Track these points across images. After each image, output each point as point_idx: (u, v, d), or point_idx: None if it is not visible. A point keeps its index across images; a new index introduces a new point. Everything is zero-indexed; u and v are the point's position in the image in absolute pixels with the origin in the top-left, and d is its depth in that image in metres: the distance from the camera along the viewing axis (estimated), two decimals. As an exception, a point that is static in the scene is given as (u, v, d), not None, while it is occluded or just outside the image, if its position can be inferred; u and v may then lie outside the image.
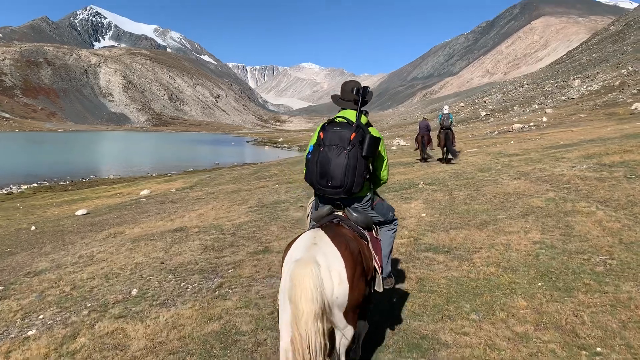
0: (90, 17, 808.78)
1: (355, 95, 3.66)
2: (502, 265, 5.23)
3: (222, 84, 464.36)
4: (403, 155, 23.83)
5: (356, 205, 3.52)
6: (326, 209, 3.48)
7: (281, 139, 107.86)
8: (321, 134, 3.46)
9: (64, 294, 5.96)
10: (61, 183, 36.68)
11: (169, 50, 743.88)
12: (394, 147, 31.57)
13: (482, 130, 51.99)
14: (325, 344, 2.76)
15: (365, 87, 3.73)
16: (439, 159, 18.64)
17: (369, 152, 3.39)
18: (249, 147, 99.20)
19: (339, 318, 2.95)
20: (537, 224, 6.63)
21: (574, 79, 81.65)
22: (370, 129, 3.57)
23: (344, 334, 3.03)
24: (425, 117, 20.80)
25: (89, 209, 18.24)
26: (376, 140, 3.48)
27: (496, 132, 47.15)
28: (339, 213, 3.50)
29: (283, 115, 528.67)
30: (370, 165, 3.58)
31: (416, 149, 19.94)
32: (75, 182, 37.09)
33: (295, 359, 2.74)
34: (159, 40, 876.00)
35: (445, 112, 18.12)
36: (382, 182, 3.77)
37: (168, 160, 57.12)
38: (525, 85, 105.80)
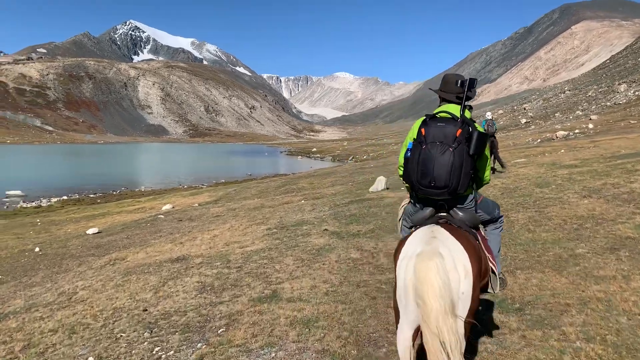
0: (130, 32, 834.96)
1: (460, 88, 3.40)
2: (612, 342, 3.46)
3: (256, 95, 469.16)
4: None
5: (460, 205, 3.28)
6: (428, 210, 3.27)
7: (315, 149, 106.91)
8: (422, 130, 3.22)
9: (8, 356, 4.61)
10: (91, 196, 36.38)
11: (205, 62, 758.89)
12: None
13: (524, 138, 49.47)
14: (460, 341, 2.55)
15: (473, 79, 3.39)
16: None
17: (476, 150, 3.13)
18: (282, 157, 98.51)
19: (460, 323, 2.64)
20: (637, 265, 4.87)
21: (619, 84, 77.51)
22: (475, 124, 3.23)
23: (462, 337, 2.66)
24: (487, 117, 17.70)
25: (104, 226, 17.23)
26: (484, 137, 3.18)
27: (539, 140, 44.58)
28: (443, 214, 3.24)
29: (317, 125, 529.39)
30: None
31: None
32: (105, 195, 36.74)
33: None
34: (196, 53, 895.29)
35: (488, 117, 16.66)
36: (484, 182, 3.52)
37: (202, 172, 56.82)
38: (567, 92, 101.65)
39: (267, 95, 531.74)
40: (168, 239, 11.72)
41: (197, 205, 20.87)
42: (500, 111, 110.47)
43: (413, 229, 3.25)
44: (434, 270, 2.53)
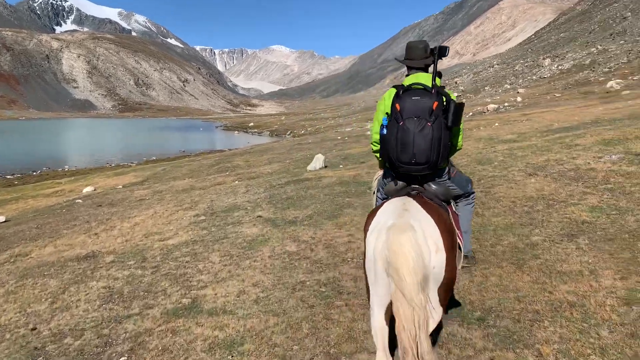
0: (50, 0, 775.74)
1: (426, 54, 3.36)
2: (595, 362, 2.88)
3: (189, 68, 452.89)
4: (380, 142, 21.61)
5: (436, 179, 3.24)
6: (402, 183, 3.19)
7: (252, 124, 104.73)
8: (397, 104, 3.06)
9: None
10: (8, 177, 33.24)
11: (134, 34, 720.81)
12: (369, 132, 29.27)
13: (456, 111, 50.42)
14: (429, 319, 2.51)
15: (444, 47, 3.31)
16: None
17: (454, 122, 3.05)
18: (218, 132, 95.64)
19: (432, 294, 2.61)
20: (602, 256, 4.38)
21: (544, 59, 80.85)
22: (447, 92, 3.16)
23: (433, 315, 2.60)
24: None
25: (14, 213, 15.46)
26: (461, 107, 3.11)
27: (471, 114, 45.48)
28: (416, 185, 3.18)
29: (254, 99, 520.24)
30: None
31: None
32: (23, 176, 33.67)
33: (403, 336, 2.45)
34: (124, 24, 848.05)
35: None
36: (457, 149, 3.41)
37: (131, 149, 53.71)
38: (496, 66, 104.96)
39: (200, 68, 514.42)
40: (82, 228, 10.44)
41: (121, 187, 19.31)
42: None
43: (385, 200, 3.17)
44: (407, 244, 2.48)
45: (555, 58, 78.09)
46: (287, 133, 70.64)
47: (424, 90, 3.11)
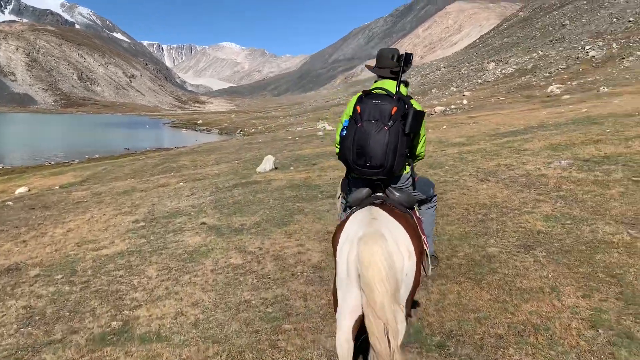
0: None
1: (395, 63, 3.31)
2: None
3: (136, 63, 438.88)
4: (331, 143, 21.35)
5: (395, 185, 3.18)
6: (365, 191, 3.11)
7: (200, 121, 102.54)
8: (358, 107, 3.08)
9: None
10: None
11: (77, 26, 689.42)
12: (320, 133, 29.03)
13: (404, 113, 51.17)
14: (399, 330, 2.48)
15: (408, 54, 3.28)
16: None
17: (412, 129, 3.01)
18: (165, 129, 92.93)
19: (402, 300, 2.57)
20: (561, 270, 4.22)
21: (488, 63, 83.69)
22: (411, 101, 3.15)
23: (403, 322, 2.56)
24: None
25: None
26: (421, 115, 3.07)
27: (420, 115, 46.33)
28: (380, 194, 3.12)
29: (202, 96, 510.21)
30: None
31: None
32: (-50, 175, 31.24)
33: (378, 348, 2.40)
34: (66, 16, 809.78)
35: None
36: (419, 158, 3.43)
37: (74, 146, 51.02)
38: (442, 69, 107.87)
39: (148, 63, 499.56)
40: (10, 235, 9.56)
41: (58, 187, 18.13)
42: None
43: (349, 211, 3.10)
44: (378, 254, 2.44)
45: (499, 62, 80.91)
46: (237, 131, 69.63)
47: (386, 95, 3.12)
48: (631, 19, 62.21)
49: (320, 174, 11.39)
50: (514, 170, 8.17)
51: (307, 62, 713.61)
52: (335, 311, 2.68)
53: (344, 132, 3.13)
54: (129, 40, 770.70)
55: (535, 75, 55.84)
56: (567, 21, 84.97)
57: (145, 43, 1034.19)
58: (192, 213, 8.65)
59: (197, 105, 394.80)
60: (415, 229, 2.88)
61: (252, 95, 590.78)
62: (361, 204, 3.06)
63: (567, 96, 32.98)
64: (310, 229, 6.57)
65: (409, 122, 2.99)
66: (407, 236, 2.69)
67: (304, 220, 7.08)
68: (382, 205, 2.95)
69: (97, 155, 40.59)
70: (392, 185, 3.18)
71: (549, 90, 42.35)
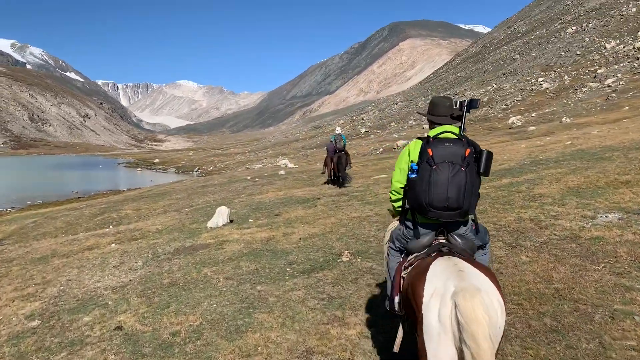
0: None
1: (452, 109, 3.40)
2: None
3: (90, 103, 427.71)
4: (296, 184, 19.07)
5: (462, 229, 3.18)
6: (429, 236, 3.18)
7: (157, 160, 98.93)
8: (429, 150, 3.09)
9: None
10: None
11: (29, 67, 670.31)
12: (282, 172, 26.71)
13: (366, 147, 50.09)
14: None
15: (473, 100, 3.33)
16: (328, 182, 16.82)
17: (486, 169, 3.11)
18: (119, 170, 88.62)
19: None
20: None
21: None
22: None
23: None
24: (337, 132, 17.35)
25: None
26: (492, 156, 3.14)
27: (381, 150, 45.05)
28: (442, 241, 3.16)
29: (160, 135, 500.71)
30: None
31: (322, 173, 18.53)
32: None
33: None
34: (17, 57, 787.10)
35: (337, 132, 16.76)
36: (478, 198, 3.23)
37: (17, 190, 46.68)
38: (399, 103, 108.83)
39: (102, 102, 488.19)
40: None
41: (-33, 250, 15.01)
42: (342, 121, 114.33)
43: (411, 257, 3.17)
44: (480, 308, 2.41)
45: (455, 96, 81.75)
46: (195, 169, 67.10)
47: (456, 138, 3.12)
48: (578, 52, 63.96)
49: (287, 232, 9.08)
50: (549, 229, 6.13)
51: (265, 98, 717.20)
52: None
53: (414, 175, 3.13)
54: (82, 80, 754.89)
55: (492, 108, 55.88)
56: (517, 55, 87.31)
57: (100, 82, 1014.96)
58: (110, 303, 6.15)
59: (154, 143, 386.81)
60: (497, 281, 2.74)
61: (210, 132, 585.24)
62: (426, 250, 3.11)
63: (533, 127, 32.26)
64: (279, 343, 4.24)
65: (483, 163, 3.06)
66: (496, 289, 2.62)
67: (269, 324, 4.74)
68: (456, 254, 2.93)
69: (40, 201, 36.87)
70: (456, 230, 3.16)
71: (509, 122, 41.95)
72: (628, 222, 5.81)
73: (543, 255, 5.31)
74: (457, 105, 3.36)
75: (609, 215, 6.12)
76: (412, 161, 3.21)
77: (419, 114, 3.41)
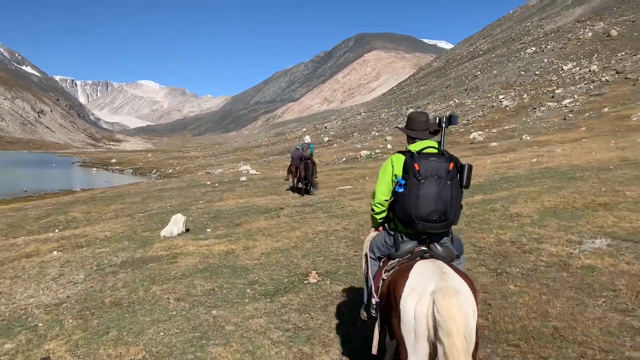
0: None
1: (437, 125, 3.53)
2: None
3: (47, 99, 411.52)
4: (258, 192, 18.32)
5: (444, 239, 3.32)
6: (412, 244, 3.27)
7: (114, 160, 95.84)
8: (415, 164, 3.18)
9: None
10: None
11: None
12: (243, 178, 25.85)
13: (329, 156, 49.83)
14: None
15: (452, 116, 3.48)
16: (292, 189, 16.81)
17: (468, 182, 3.28)
18: (74, 169, 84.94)
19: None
20: None
21: (407, 109, 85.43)
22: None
23: None
24: (305, 141, 17.11)
25: None
26: (472, 169, 3.33)
27: (344, 159, 44.83)
28: (424, 248, 3.27)
29: (118, 135, 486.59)
30: None
31: (286, 180, 18.43)
32: None
33: None
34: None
35: (306, 141, 16.81)
36: (461, 209, 3.37)
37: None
38: (362, 113, 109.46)
39: (59, 99, 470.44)
40: None
41: None
42: (304, 129, 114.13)
43: (394, 262, 3.24)
44: (456, 307, 2.51)
45: (417, 109, 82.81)
46: (153, 171, 65.18)
47: (439, 153, 3.27)
48: (537, 72, 65.89)
49: (248, 245, 8.37)
50: (534, 255, 5.70)
51: (228, 102, 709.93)
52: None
53: (401, 189, 3.21)
54: (39, 75, 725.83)
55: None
56: (479, 72, 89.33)
57: (57, 78, 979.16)
58: (40, 326, 5.31)
59: (112, 143, 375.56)
60: (475, 287, 2.85)
61: (171, 135, 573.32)
62: (409, 256, 3.20)
63: (495, 143, 32.67)
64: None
65: (465, 176, 3.23)
66: (471, 292, 2.71)
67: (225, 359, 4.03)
68: (441, 259, 3.03)
69: (-18, 199, 34.56)
70: (440, 240, 3.26)
71: (471, 137, 42.53)
72: (619, 249, 5.44)
73: (533, 285, 4.85)
74: (437, 121, 3.48)
75: (596, 241, 5.76)
76: (396, 175, 3.31)
77: (398, 128, 3.81)
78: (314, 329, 4.52)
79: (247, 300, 5.46)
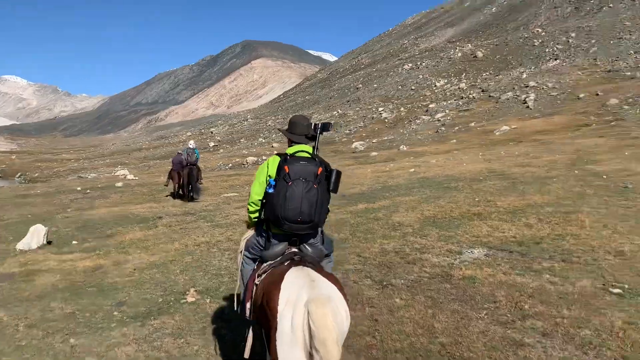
0: None
1: (313, 131, 3.66)
2: None
3: None
4: (135, 199, 17.03)
5: (312, 240, 3.44)
6: (282, 246, 3.37)
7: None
8: (286, 167, 3.28)
9: None
10: None
11: None
12: (120, 184, 23.97)
13: (214, 161, 48.63)
14: None
15: (326, 124, 3.66)
16: (173, 195, 16.32)
17: (335, 187, 3.41)
18: None
19: None
20: None
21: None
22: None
23: None
24: (190, 146, 16.80)
25: None
26: (340, 175, 3.47)
27: (230, 165, 43.99)
28: (295, 249, 3.36)
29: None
30: None
31: (166, 185, 17.81)
32: None
33: None
34: None
35: (191, 146, 16.56)
36: (327, 213, 3.52)
37: None
38: (250, 120, 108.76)
39: None
40: None
41: None
42: (189, 133, 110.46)
43: (265, 265, 3.29)
44: (330, 316, 2.57)
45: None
46: (17, 175, 58.56)
47: (310, 157, 3.40)
48: (413, 87, 70.40)
49: (119, 259, 7.59)
50: (417, 265, 5.78)
51: (106, 102, 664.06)
52: None
53: (271, 190, 3.28)
54: None
55: (337, 132, 58.30)
56: (361, 85, 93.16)
57: None
58: None
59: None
60: (344, 290, 2.96)
61: (40, 135, 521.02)
62: (279, 258, 3.26)
63: (375, 153, 34.04)
64: None
65: (333, 181, 3.36)
66: (342, 298, 2.83)
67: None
68: (308, 264, 3.10)
69: None
70: (307, 241, 3.37)
71: (352, 146, 44.01)
72: (495, 259, 5.72)
73: (418, 297, 4.86)
74: (313, 127, 3.61)
75: (474, 251, 6.01)
76: (270, 176, 3.38)
77: (279, 130, 3.90)
78: (189, 357, 4.07)
79: (113, 325, 4.83)
